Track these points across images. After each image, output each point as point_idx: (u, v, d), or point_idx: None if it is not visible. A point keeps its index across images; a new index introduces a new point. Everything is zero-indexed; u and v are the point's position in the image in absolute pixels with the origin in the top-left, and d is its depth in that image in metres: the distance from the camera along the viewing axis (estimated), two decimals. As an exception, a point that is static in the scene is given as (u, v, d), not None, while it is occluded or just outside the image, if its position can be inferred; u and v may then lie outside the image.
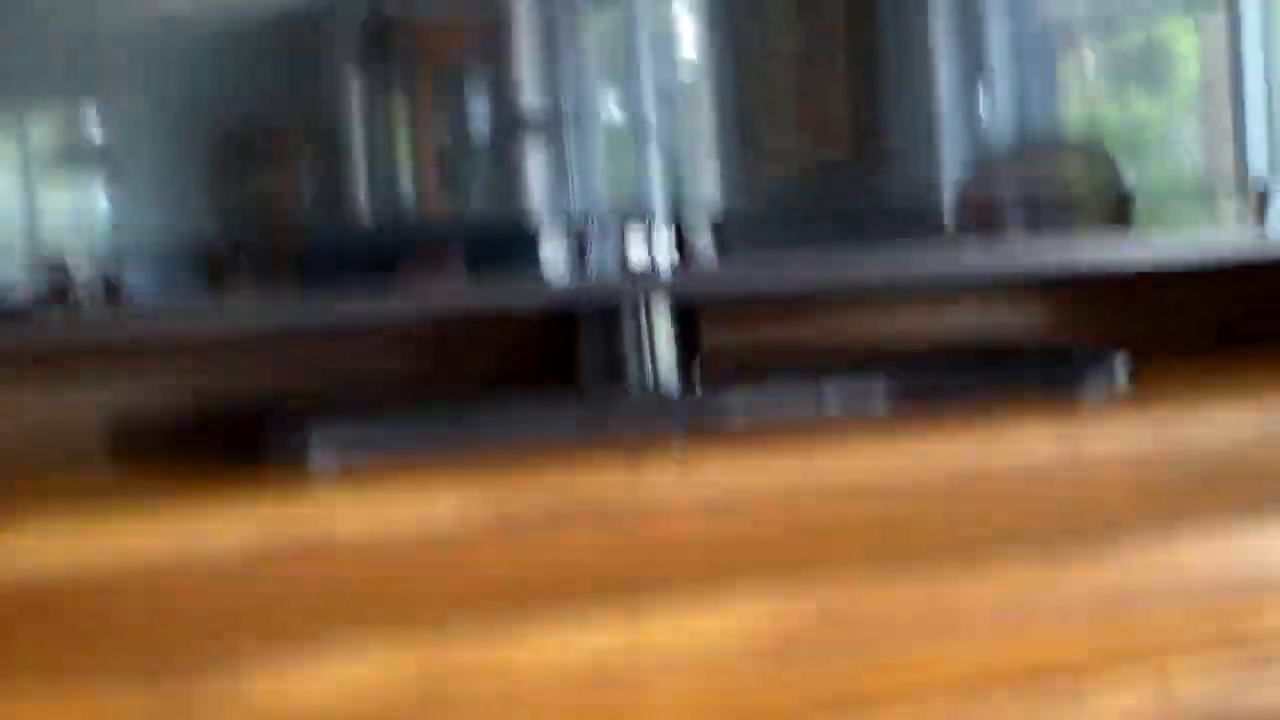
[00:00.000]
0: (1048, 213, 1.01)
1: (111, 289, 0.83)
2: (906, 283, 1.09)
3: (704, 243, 0.93)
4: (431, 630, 0.62)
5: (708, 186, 0.97)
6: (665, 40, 0.95)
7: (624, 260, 0.91)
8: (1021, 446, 0.82)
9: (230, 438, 0.85)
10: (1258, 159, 1.06)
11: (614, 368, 0.93)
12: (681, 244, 0.92)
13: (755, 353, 1.08)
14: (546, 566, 0.71)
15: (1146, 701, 0.69)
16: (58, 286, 0.83)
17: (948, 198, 1.00)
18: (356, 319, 1.00)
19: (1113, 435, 0.84)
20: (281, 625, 0.65)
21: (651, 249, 0.91)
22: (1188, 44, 1.07)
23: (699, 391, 0.92)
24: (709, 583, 0.67)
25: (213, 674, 0.60)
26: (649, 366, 0.93)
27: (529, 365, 1.04)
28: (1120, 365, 0.94)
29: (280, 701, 0.60)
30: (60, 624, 0.66)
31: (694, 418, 0.88)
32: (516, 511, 0.73)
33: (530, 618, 0.63)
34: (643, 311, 0.93)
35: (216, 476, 0.77)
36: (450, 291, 0.88)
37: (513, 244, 0.90)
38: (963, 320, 1.20)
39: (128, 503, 0.71)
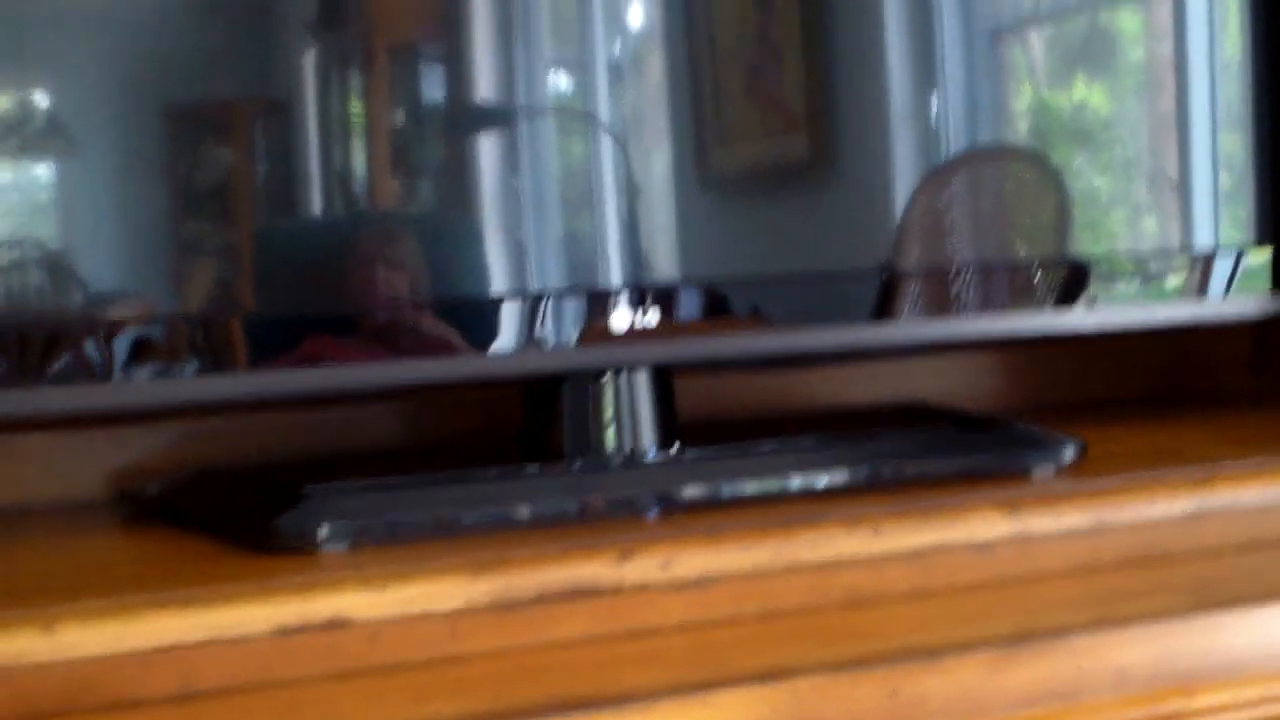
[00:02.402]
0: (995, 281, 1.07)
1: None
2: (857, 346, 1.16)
3: (681, 308, 0.99)
4: None
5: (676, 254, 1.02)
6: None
7: (600, 327, 0.97)
8: (975, 534, 0.89)
9: (236, 516, 0.92)
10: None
11: (593, 435, 1.00)
12: (657, 309, 0.98)
13: (718, 420, 1.15)
14: (542, 652, 0.79)
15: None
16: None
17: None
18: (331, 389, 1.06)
19: (1059, 521, 0.91)
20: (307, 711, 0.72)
21: (638, 312, 0.98)
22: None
23: (682, 467, 0.98)
24: (691, 674, 0.75)
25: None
26: (628, 435, 1.00)
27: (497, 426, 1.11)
28: (1069, 447, 1.01)
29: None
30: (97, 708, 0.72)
31: (678, 497, 0.95)
32: (515, 599, 0.80)
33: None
34: (622, 377, 0.99)
35: (232, 563, 0.84)
36: (428, 365, 0.95)
37: (481, 313, 0.96)
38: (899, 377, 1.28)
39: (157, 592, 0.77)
